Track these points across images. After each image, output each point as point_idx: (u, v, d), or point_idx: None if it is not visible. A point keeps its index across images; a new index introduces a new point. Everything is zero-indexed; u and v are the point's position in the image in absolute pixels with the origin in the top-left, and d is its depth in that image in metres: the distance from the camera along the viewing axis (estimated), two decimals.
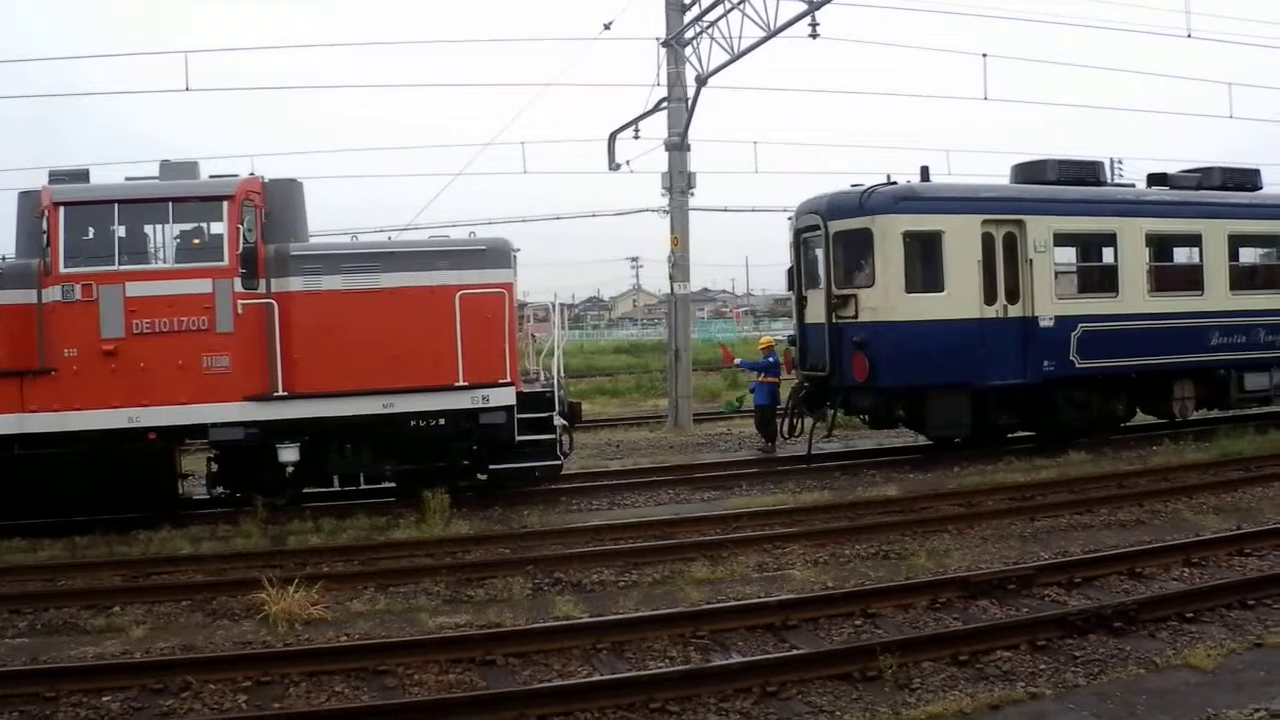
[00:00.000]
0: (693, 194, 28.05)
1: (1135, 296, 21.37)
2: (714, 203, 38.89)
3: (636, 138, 29.78)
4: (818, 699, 8.57)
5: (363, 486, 17.79)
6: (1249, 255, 23.85)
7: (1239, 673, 8.81)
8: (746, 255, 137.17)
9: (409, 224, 27.06)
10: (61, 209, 16.10)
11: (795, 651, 9.49)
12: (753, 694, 8.63)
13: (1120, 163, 65.74)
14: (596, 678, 9.14)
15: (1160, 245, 22.64)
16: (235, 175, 17.26)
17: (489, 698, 8.61)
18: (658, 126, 28.62)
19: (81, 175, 17.02)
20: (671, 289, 28.36)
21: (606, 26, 28.36)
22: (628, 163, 30.30)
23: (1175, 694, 8.39)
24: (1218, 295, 22.23)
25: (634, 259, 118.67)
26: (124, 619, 11.85)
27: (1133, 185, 23.65)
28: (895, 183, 20.24)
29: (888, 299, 19.51)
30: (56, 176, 16.89)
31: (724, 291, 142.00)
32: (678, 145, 27.61)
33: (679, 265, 27.86)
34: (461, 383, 16.96)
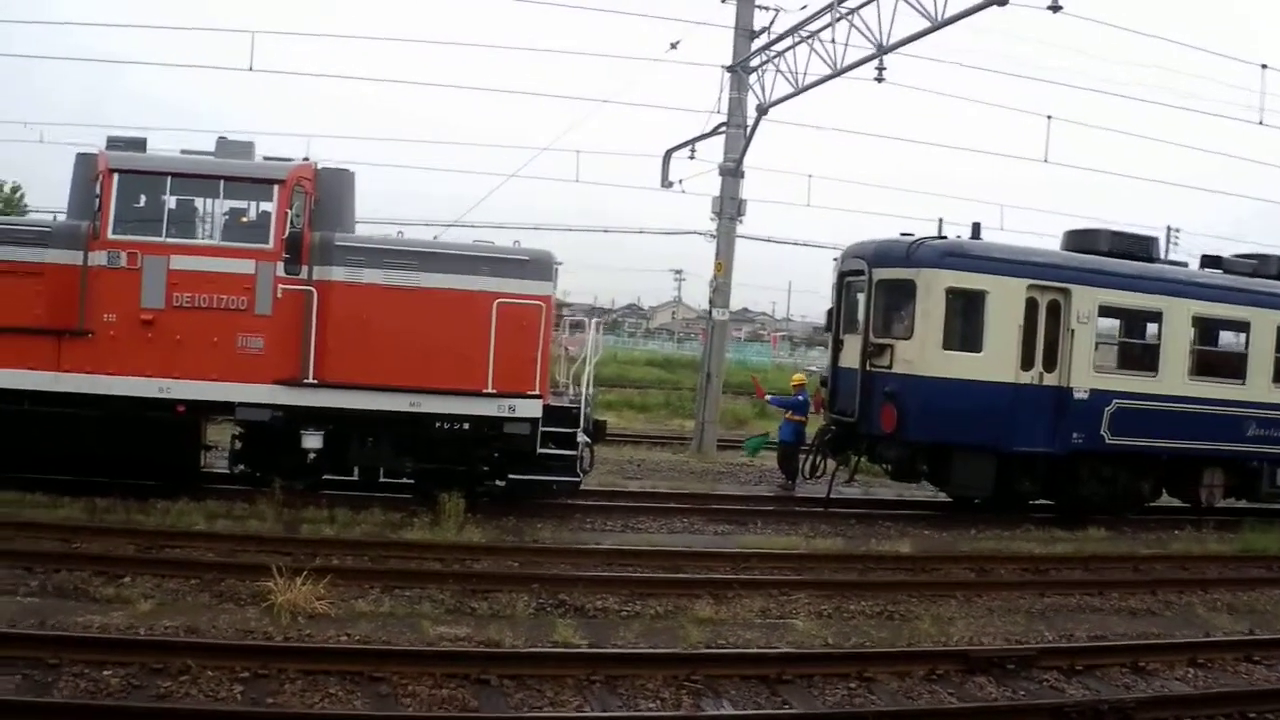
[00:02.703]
0: (741, 221, 28.10)
1: (1175, 378, 21.19)
2: (761, 231, 38.74)
3: (692, 158, 30.06)
4: None
5: (381, 480, 17.90)
6: None
7: None
8: (790, 280, 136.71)
9: (456, 220, 27.09)
10: (116, 175, 16.30)
11: (785, 710, 9.46)
12: None
13: (1177, 231, 65.23)
14: (586, 714, 9.13)
15: (1206, 329, 22.44)
16: (290, 159, 17.42)
17: None
18: (713, 150, 28.76)
19: (139, 144, 17.22)
20: (710, 314, 28.37)
21: (673, 46, 28.49)
22: (680, 182, 30.44)
23: None
24: (1260, 386, 21.99)
25: (678, 271, 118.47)
26: (133, 590, 12.00)
27: (1185, 264, 23.41)
28: (945, 236, 20.18)
29: (924, 353, 19.44)
30: (114, 143, 17.12)
31: (764, 314, 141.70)
32: (732, 171, 27.63)
33: (720, 291, 27.88)
34: (490, 390, 17.06)
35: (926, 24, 20.11)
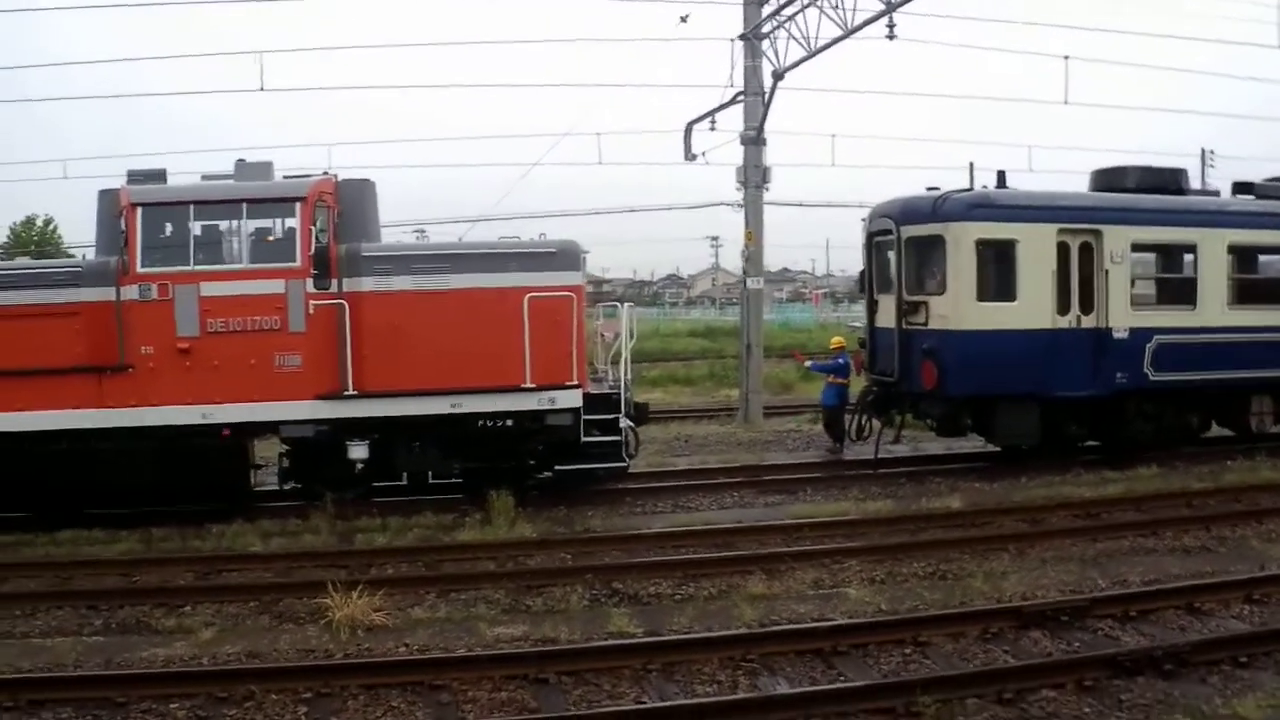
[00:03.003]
0: (768, 188, 27.99)
1: (1214, 309, 21.01)
2: (790, 196, 38.67)
3: (713, 129, 29.96)
4: None
5: (430, 483, 18.13)
6: None
7: None
8: (827, 237, 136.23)
9: (482, 216, 27.26)
10: (139, 210, 16.50)
11: (839, 684, 9.56)
12: None
13: (1213, 154, 64.30)
14: (643, 705, 9.27)
15: (1242, 257, 22.21)
16: (309, 175, 17.53)
17: None
18: (734, 120, 28.63)
19: (158, 175, 17.44)
20: (744, 283, 28.38)
21: (683, 20, 28.43)
22: (704, 154, 30.39)
23: None
24: None
25: (714, 238, 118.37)
26: (194, 620, 12.22)
27: (1217, 193, 23.17)
28: (970, 188, 20.08)
29: (958, 307, 19.39)
30: (134, 176, 17.33)
31: (804, 272, 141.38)
32: (753, 139, 27.55)
33: (752, 259, 27.86)
34: (529, 384, 17.17)
35: None
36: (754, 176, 27.79)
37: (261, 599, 12.93)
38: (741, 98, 28.01)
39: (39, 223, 60.37)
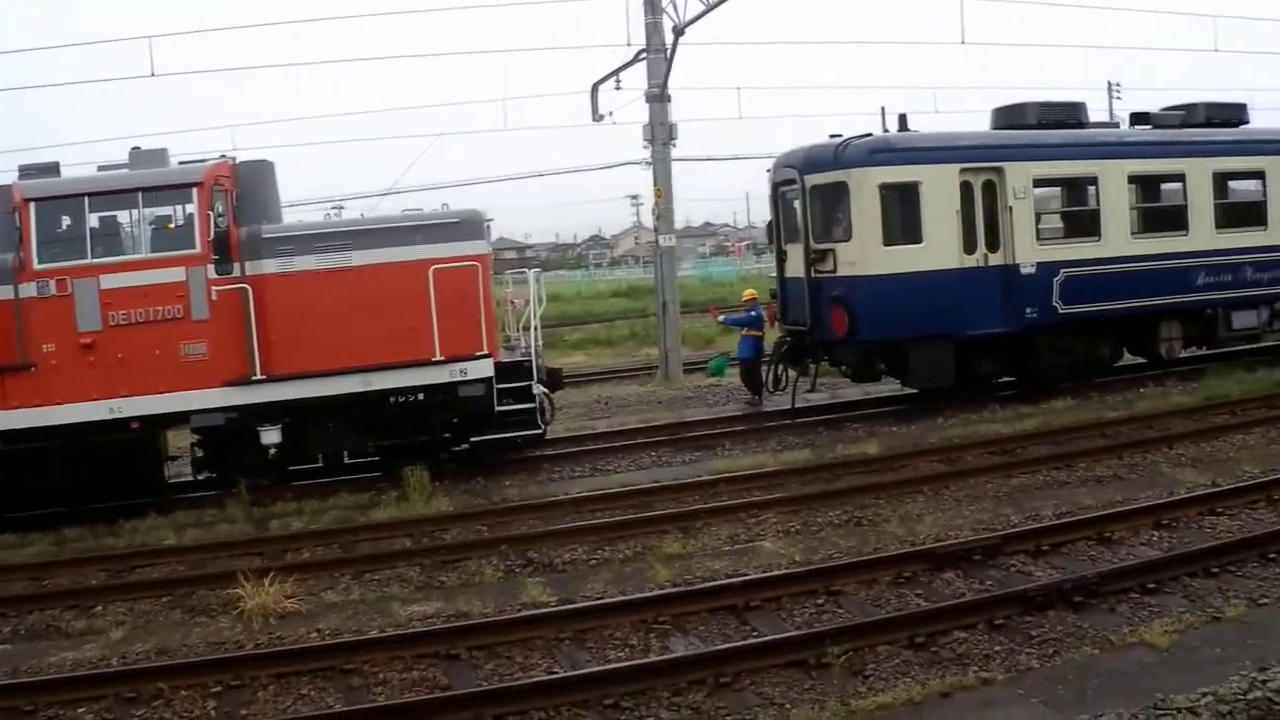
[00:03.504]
0: (675, 145, 27.81)
1: (1119, 239, 21.21)
2: (699, 151, 38.51)
3: (618, 88, 29.53)
4: (770, 689, 8.63)
5: (348, 462, 17.92)
6: (1235, 193, 23.59)
7: (1194, 650, 8.81)
8: (746, 190, 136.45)
9: (390, 188, 26.92)
10: (32, 205, 16.05)
11: (747, 641, 9.51)
12: (706, 686, 8.69)
13: (1118, 86, 64.91)
14: (553, 675, 9.19)
15: (1144, 186, 22.46)
16: (205, 160, 17.17)
17: (445, 700, 8.66)
18: (640, 77, 28.39)
19: (51, 169, 16.99)
20: (657, 241, 28.26)
21: None
22: (611, 114, 30.09)
23: (1127, 676, 8.41)
24: (1203, 234, 22.03)
25: (634, 197, 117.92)
26: (105, 619, 11.94)
27: (1117, 124, 23.36)
28: (870, 134, 20.07)
29: (865, 252, 19.41)
30: (26, 171, 16.86)
31: (726, 225, 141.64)
32: (658, 97, 27.35)
33: (663, 217, 27.72)
34: (439, 357, 16.94)
35: None
36: (660, 134, 27.59)
37: (174, 593, 12.64)
38: (644, 55, 27.76)
39: None
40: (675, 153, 28.11)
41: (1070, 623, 9.56)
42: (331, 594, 12.23)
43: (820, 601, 10.58)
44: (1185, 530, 12.25)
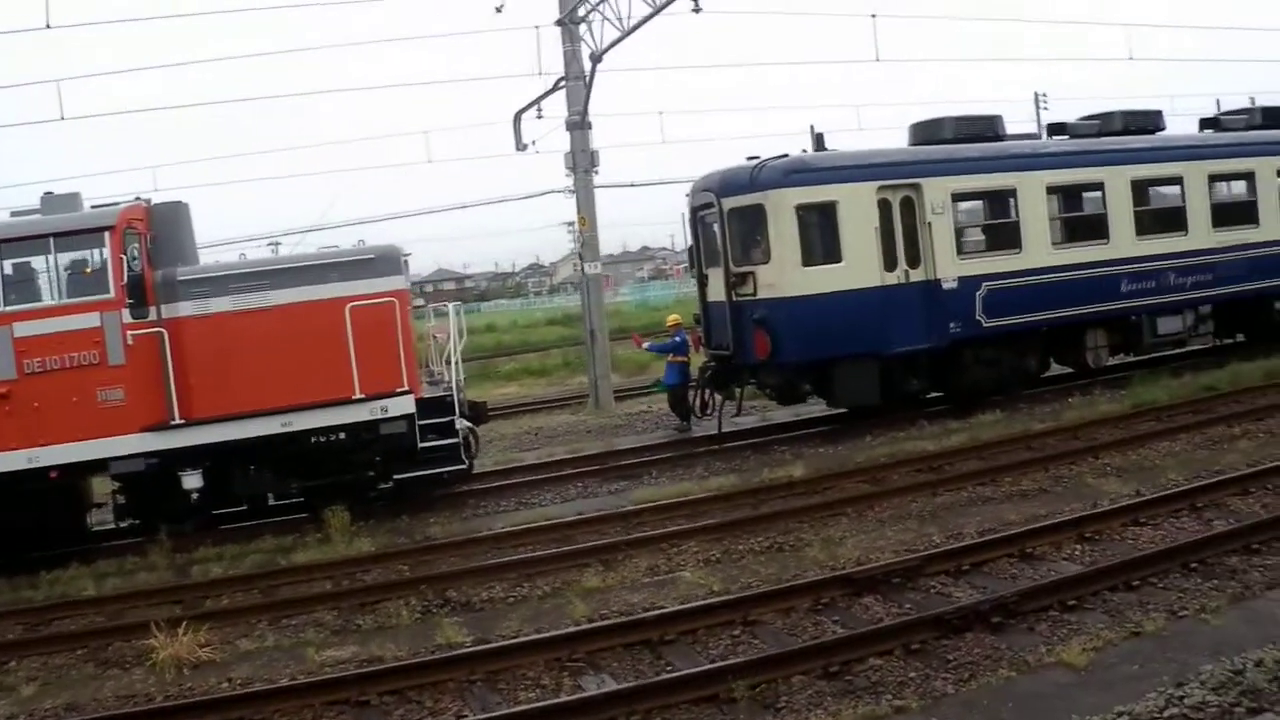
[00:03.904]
0: (597, 172, 27.68)
1: (1039, 251, 21.24)
2: (625, 177, 38.48)
3: (540, 117, 29.42)
4: None
5: (273, 504, 17.72)
6: (1154, 199, 23.70)
7: (1111, 668, 8.63)
8: (682, 212, 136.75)
9: (313, 226, 26.59)
10: None
11: (659, 678, 9.23)
12: None
13: (1044, 96, 65.41)
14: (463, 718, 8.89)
15: (1063, 196, 22.50)
16: (118, 203, 16.94)
17: None
18: (562, 106, 28.23)
19: None
20: (582, 269, 28.06)
21: (498, 10, 27.93)
22: (534, 143, 29.93)
23: (1043, 699, 8.21)
24: (1124, 242, 22.13)
25: (570, 223, 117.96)
26: (17, 675, 11.60)
27: (1037, 136, 23.38)
28: (787, 155, 19.97)
29: (784, 274, 19.30)
30: None
31: (664, 249, 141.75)
32: (578, 124, 27.21)
33: (588, 244, 27.57)
34: (359, 395, 16.73)
35: None
36: (582, 161, 27.44)
37: (89, 646, 12.31)
38: (564, 84, 27.62)
39: None
40: (599, 179, 28.02)
41: (988, 644, 9.37)
42: (246, 641, 11.91)
43: (736, 632, 10.34)
44: (1108, 543, 12.12)
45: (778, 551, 13.16)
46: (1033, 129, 31.97)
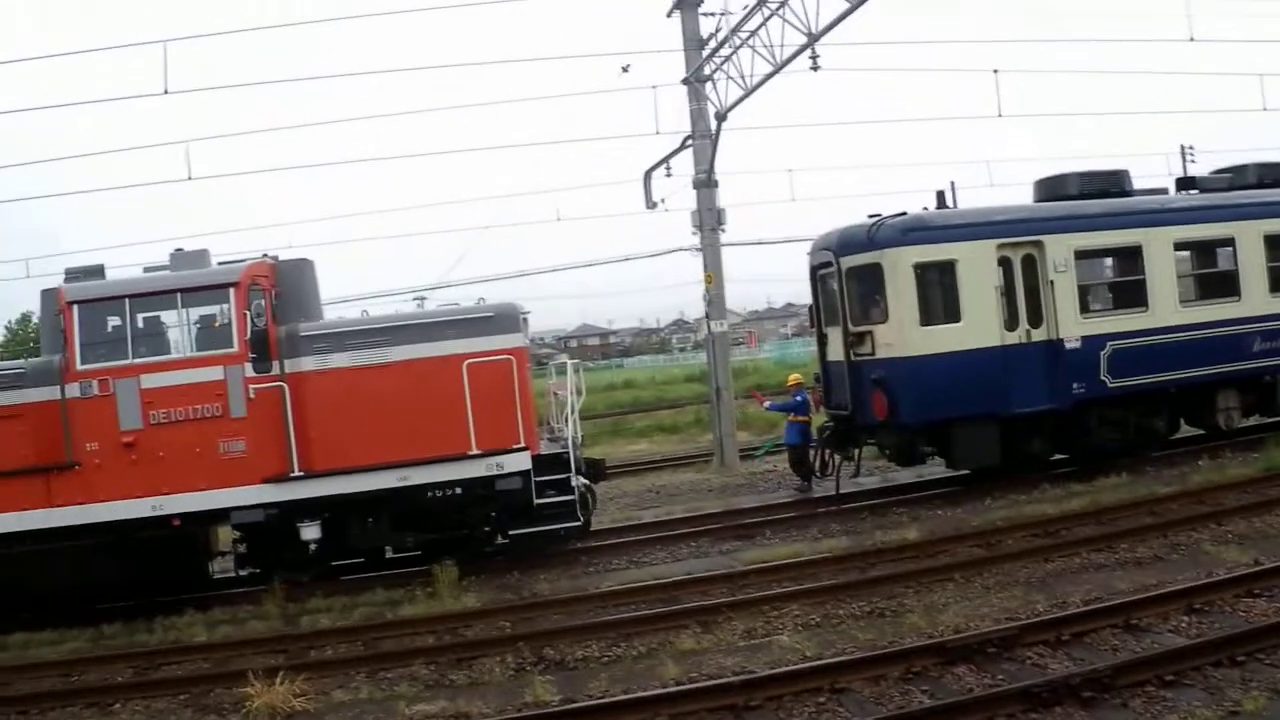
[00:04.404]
0: (724, 230, 27.80)
1: (1166, 308, 20.72)
2: (750, 236, 38.54)
3: (669, 175, 29.76)
4: None
5: (391, 557, 18.07)
6: None
7: None
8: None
9: (438, 283, 27.18)
10: (75, 307, 16.55)
11: None
12: None
13: (1192, 149, 63.92)
14: None
15: (1192, 253, 21.97)
16: (245, 259, 17.51)
17: None
18: (690, 164, 28.47)
19: (96, 271, 17.49)
20: (708, 327, 28.17)
21: (624, 70, 28.32)
22: (663, 200, 30.25)
23: None
24: (1257, 299, 21.47)
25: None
26: (120, 718, 12.03)
27: (1165, 191, 22.85)
28: (905, 213, 19.86)
29: (902, 333, 19.16)
30: (72, 274, 17.42)
31: (807, 305, 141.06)
32: (705, 182, 27.44)
33: (714, 302, 27.67)
34: (475, 451, 16.99)
35: (847, 4, 19.81)
36: (709, 219, 27.62)
37: (192, 691, 12.73)
38: (690, 142, 27.89)
39: (34, 320, 60.56)
40: (725, 237, 28.13)
41: None
42: (341, 692, 12.17)
43: (823, 700, 10.24)
44: (1218, 615, 11.73)
45: (878, 617, 13.01)
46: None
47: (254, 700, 11.60)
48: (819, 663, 11.04)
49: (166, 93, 24.60)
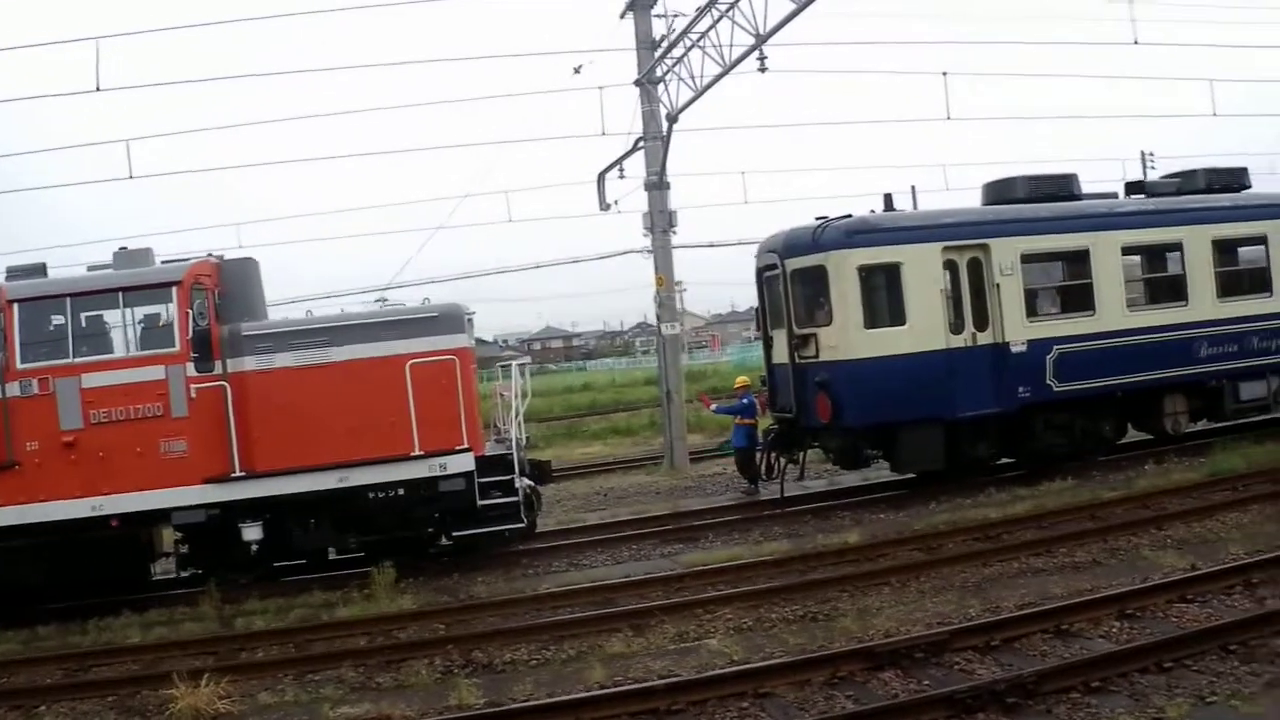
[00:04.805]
0: (675, 232, 27.67)
1: (1113, 312, 20.71)
2: (706, 238, 38.42)
3: (622, 177, 29.60)
4: None
5: (334, 558, 17.94)
6: (1238, 259, 23.06)
7: None
8: None
9: (389, 284, 26.96)
10: (16, 306, 16.31)
11: None
12: None
13: (1152, 155, 64.16)
14: None
15: (1139, 257, 21.98)
16: (188, 259, 17.30)
17: None
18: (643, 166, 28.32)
19: (38, 269, 17.33)
20: (659, 329, 28.03)
21: (576, 70, 28.18)
22: (616, 202, 30.12)
23: None
24: (1204, 304, 21.50)
25: (677, 283, 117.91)
26: None
27: (1115, 196, 22.84)
28: (850, 215, 19.77)
29: (846, 336, 19.07)
30: (13, 272, 17.28)
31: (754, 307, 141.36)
32: (656, 184, 27.30)
33: (665, 305, 27.55)
34: (418, 452, 16.85)
35: (793, 5, 19.71)
36: (660, 221, 27.49)
37: (119, 693, 12.54)
38: (642, 144, 27.73)
39: None
40: (677, 239, 28.02)
41: None
42: (267, 694, 11.99)
43: (745, 705, 10.09)
44: (1150, 620, 11.64)
45: (811, 621, 12.88)
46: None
47: (178, 702, 11.42)
48: (744, 667, 10.89)
49: (99, 89, 24.22)
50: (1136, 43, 26.56)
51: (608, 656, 12.04)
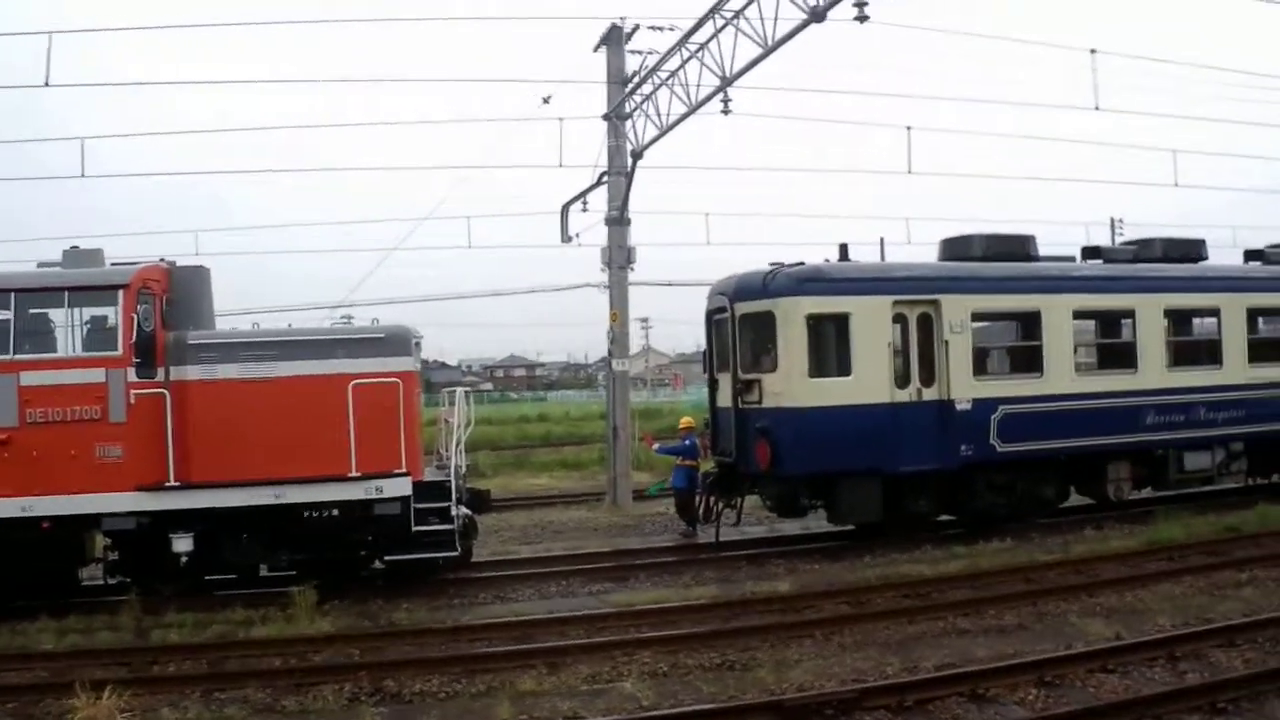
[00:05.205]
0: (633, 268, 27.57)
1: (1061, 376, 20.69)
2: (663, 277, 38.31)
3: (585, 210, 29.46)
4: None
5: (267, 574, 17.67)
6: (1189, 330, 23.14)
7: None
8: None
9: (342, 301, 26.73)
10: None
11: None
12: None
13: (1121, 221, 64.56)
14: None
15: (1091, 322, 21.99)
16: (137, 262, 17.12)
17: None
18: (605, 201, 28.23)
19: None
20: (610, 365, 27.88)
21: (545, 100, 28.05)
22: (577, 235, 29.96)
23: None
24: (1153, 373, 21.52)
25: (644, 319, 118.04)
26: None
27: (1072, 258, 22.87)
28: (803, 263, 19.68)
29: (790, 384, 18.95)
30: None
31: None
32: (617, 220, 27.21)
33: (618, 341, 27.41)
34: (355, 473, 16.68)
35: (760, 50, 19.69)
36: (619, 257, 27.39)
37: (22, 700, 12.26)
38: (606, 178, 27.64)
39: None
40: (635, 276, 27.93)
41: None
42: (170, 710, 11.71)
43: None
44: (1068, 689, 11.49)
45: (727, 670, 12.66)
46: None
47: (77, 713, 11.19)
48: (652, 713, 10.70)
49: (48, 85, 23.95)
50: (1098, 109, 26.60)
51: (518, 694, 11.82)
